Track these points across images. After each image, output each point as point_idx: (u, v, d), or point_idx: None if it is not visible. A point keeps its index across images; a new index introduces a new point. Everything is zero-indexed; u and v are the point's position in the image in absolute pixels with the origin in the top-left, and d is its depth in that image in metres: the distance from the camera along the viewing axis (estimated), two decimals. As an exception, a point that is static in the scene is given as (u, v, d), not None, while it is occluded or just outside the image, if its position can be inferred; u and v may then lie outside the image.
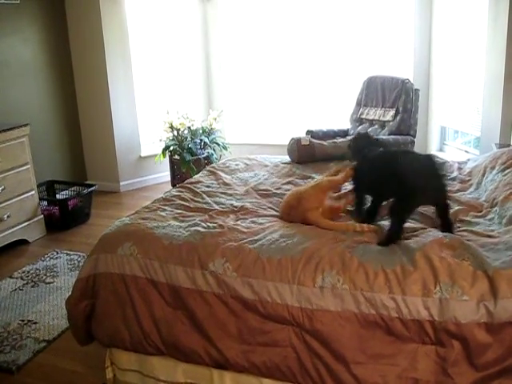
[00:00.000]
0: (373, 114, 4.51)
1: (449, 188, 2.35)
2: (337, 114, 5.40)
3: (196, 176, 3.24)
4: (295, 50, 5.58)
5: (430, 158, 2.15)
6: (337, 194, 2.48)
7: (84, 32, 5.07)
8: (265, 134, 5.94)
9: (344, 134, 4.52)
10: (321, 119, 5.49)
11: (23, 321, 2.93)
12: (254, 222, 2.33)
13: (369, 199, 2.37)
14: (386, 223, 2.20)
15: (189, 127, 5.08)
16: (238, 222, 2.35)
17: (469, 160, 3.26)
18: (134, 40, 5.26)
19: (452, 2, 4.64)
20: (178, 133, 5.04)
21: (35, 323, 2.90)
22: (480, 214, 2.34)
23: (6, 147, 3.81)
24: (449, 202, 2.21)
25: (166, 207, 2.56)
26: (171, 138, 5.07)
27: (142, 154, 5.50)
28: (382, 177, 2.16)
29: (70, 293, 2.28)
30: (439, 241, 1.95)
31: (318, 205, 2.26)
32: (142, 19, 5.32)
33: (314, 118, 5.59)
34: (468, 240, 1.97)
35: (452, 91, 4.76)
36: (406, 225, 2.11)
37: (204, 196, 2.76)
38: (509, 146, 3.56)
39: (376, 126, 4.47)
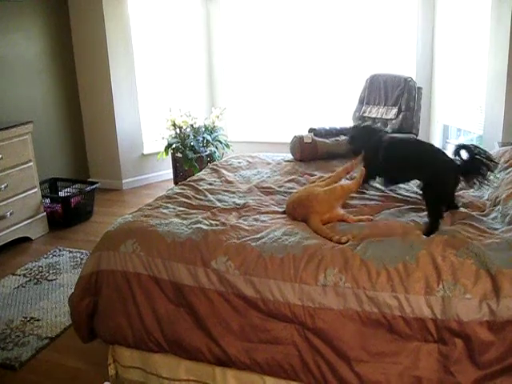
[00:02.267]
0: (375, 112, 4.51)
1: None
2: (339, 112, 5.40)
3: (198, 174, 3.25)
4: (298, 48, 5.58)
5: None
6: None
7: (87, 30, 5.07)
8: (267, 132, 5.94)
9: (347, 132, 4.51)
10: (323, 117, 5.49)
11: (26, 318, 2.94)
12: (256, 220, 2.33)
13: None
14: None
15: (191, 125, 5.08)
16: (241, 220, 2.35)
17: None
18: (137, 38, 5.26)
19: (455, 0, 4.63)
20: (180, 130, 5.05)
21: (38, 320, 2.91)
22: (483, 212, 2.34)
23: (9, 145, 3.82)
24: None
25: (168, 205, 2.56)
26: (174, 136, 5.08)
27: (145, 152, 5.51)
28: (404, 163, 2.36)
29: (72, 290, 2.29)
30: (442, 239, 1.95)
31: (327, 211, 2.26)
32: (144, 17, 5.32)
33: (316, 115, 5.59)
34: (471, 239, 1.97)
35: (455, 89, 4.75)
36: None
37: (206, 194, 2.76)
38: (511, 144, 3.56)
39: (378, 124, 4.46)
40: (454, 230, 2.06)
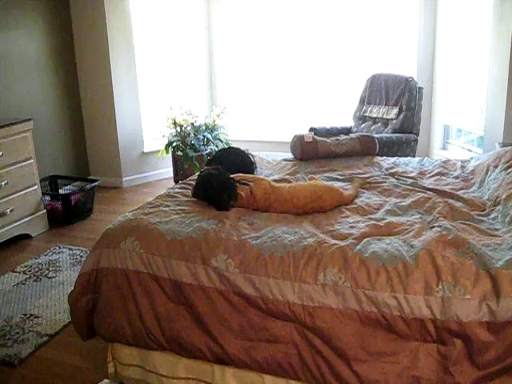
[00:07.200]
0: (376, 111, 4.51)
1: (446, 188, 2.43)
2: (340, 112, 5.40)
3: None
4: (299, 48, 5.58)
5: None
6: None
7: (88, 27, 5.07)
8: (268, 131, 5.94)
9: (347, 131, 4.52)
10: (324, 116, 5.49)
11: (25, 315, 2.94)
12: (256, 218, 2.33)
13: None
14: None
15: (192, 123, 5.08)
16: (241, 218, 2.34)
17: (472, 159, 3.26)
18: (138, 36, 5.26)
19: (457, 0, 4.63)
20: (181, 129, 5.05)
21: (37, 317, 2.91)
22: (483, 212, 2.34)
23: (9, 142, 3.82)
24: None
25: (168, 203, 2.56)
26: (174, 134, 5.08)
27: (145, 150, 5.51)
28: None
29: (72, 287, 2.29)
30: (442, 239, 1.95)
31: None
32: (146, 15, 5.32)
33: (317, 115, 5.59)
34: (471, 239, 1.97)
35: (456, 90, 4.75)
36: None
37: (207, 192, 2.75)
38: (512, 145, 3.56)
39: (379, 124, 4.47)
40: (454, 229, 2.06)
